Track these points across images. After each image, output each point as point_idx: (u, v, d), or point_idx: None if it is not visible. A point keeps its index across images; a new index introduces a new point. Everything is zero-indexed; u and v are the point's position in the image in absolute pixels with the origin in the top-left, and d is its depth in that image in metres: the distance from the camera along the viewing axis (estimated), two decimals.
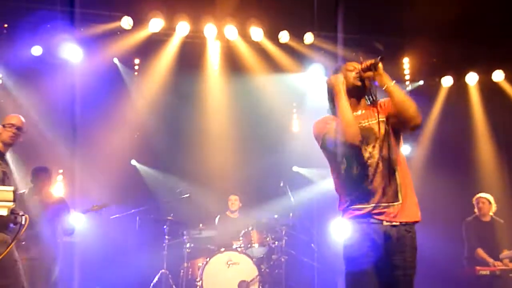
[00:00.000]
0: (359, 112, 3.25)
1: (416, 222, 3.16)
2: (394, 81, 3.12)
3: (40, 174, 6.03)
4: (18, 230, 3.78)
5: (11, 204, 2.81)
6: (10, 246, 3.06)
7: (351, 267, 3.08)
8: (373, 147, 3.14)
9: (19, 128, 4.58)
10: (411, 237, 3.12)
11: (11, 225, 4.98)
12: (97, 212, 5.85)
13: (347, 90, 3.20)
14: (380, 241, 3.06)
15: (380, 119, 3.17)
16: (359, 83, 3.21)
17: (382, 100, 3.26)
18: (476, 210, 6.89)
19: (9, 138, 4.51)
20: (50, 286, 5.83)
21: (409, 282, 3.08)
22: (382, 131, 3.16)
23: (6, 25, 7.56)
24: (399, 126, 3.18)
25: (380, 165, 3.11)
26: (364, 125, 3.19)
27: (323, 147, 3.26)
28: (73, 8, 7.33)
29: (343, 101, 3.14)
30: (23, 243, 5.48)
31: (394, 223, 3.08)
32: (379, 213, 3.08)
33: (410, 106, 3.06)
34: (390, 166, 3.11)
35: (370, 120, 3.21)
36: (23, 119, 4.67)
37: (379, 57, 3.14)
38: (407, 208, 3.12)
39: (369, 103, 3.29)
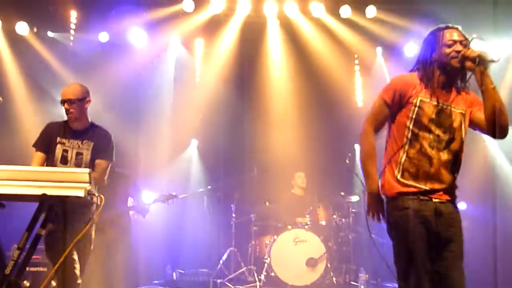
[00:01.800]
0: (445, 93, 3.05)
1: (455, 199, 3.10)
2: (494, 85, 2.92)
3: None
4: (94, 210, 3.95)
5: (87, 186, 2.93)
6: (87, 226, 3.19)
7: (402, 243, 3.00)
8: (444, 132, 3.01)
9: (69, 101, 4.27)
10: (459, 212, 3.06)
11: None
12: (163, 202, 5.98)
13: (439, 65, 3.02)
14: (431, 217, 2.97)
15: (463, 111, 3.04)
16: (457, 65, 2.96)
17: (470, 92, 3.08)
18: None
19: (68, 115, 4.25)
20: (124, 261, 6.06)
21: (462, 256, 3.00)
22: (459, 122, 3.03)
23: (75, 14, 7.83)
24: (482, 130, 3.05)
25: (446, 151, 3.00)
26: (444, 107, 3.03)
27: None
28: None
29: None
30: (99, 224, 5.71)
31: (443, 200, 3.01)
32: (431, 192, 2.99)
33: (504, 115, 2.92)
34: (454, 155, 3.02)
35: (453, 106, 3.04)
36: (72, 88, 4.36)
37: (492, 59, 2.88)
38: (455, 189, 3.09)
39: (458, 89, 3.08)
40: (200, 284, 6.69)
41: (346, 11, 7.96)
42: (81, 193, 2.92)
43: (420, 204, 2.96)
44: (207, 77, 8.54)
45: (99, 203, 3.21)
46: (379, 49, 8.55)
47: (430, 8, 7.54)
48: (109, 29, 7.88)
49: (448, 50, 2.98)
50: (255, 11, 8.05)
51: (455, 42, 2.99)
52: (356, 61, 8.76)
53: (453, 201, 3.07)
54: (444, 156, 3.00)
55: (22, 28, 7.67)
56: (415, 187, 2.99)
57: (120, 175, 6.33)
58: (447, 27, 3.07)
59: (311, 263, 6.71)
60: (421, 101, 3.02)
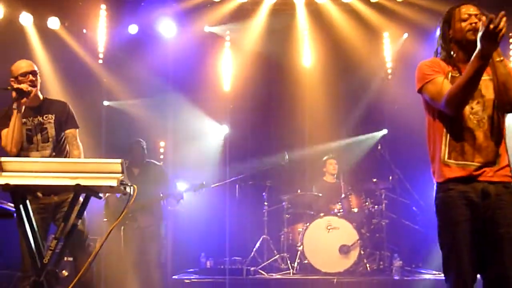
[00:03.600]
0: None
1: (510, 182, 2.97)
2: (503, 58, 2.89)
3: (136, 147, 6.32)
4: (128, 200, 4.01)
5: (119, 176, 2.97)
6: (122, 215, 3.24)
7: (447, 227, 2.93)
8: (477, 103, 2.96)
9: (33, 73, 4.23)
10: (510, 193, 2.93)
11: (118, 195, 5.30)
12: (195, 192, 6.03)
13: (456, 41, 3.03)
14: (478, 199, 2.89)
15: (491, 77, 2.96)
16: (473, 37, 2.88)
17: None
18: None
19: (30, 88, 4.09)
20: (159, 250, 6.17)
21: (511, 240, 2.88)
22: (490, 89, 2.97)
23: (104, 7, 7.93)
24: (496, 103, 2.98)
25: (483, 124, 2.94)
26: None
27: (420, 92, 3.09)
28: None
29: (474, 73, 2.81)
30: (130, 214, 5.82)
31: (491, 181, 2.91)
32: (477, 171, 2.91)
33: (510, 90, 2.88)
34: (493, 127, 2.94)
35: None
36: (29, 62, 4.29)
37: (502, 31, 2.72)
38: (505, 170, 2.95)
39: None
40: (234, 272, 6.73)
41: None
42: (114, 183, 2.96)
43: (466, 186, 2.90)
44: (237, 66, 8.54)
45: (132, 193, 3.25)
46: (410, 35, 8.39)
47: None
48: (138, 22, 7.95)
49: (463, 24, 2.98)
50: None
51: (470, 16, 2.99)
52: (387, 46, 8.62)
53: (505, 182, 2.94)
54: (485, 126, 2.94)
55: (53, 22, 7.80)
56: (463, 166, 2.92)
57: (151, 165, 6.44)
58: (463, 3, 3.07)
59: (344, 250, 6.69)
60: (452, 77, 2.99)
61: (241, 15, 8.18)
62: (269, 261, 7.14)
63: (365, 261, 6.77)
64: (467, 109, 2.94)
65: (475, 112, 2.95)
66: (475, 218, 2.88)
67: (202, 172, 7.52)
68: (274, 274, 6.82)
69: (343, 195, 7.25)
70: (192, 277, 6.68)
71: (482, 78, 2.89)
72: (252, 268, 6.83)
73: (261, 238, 7.29)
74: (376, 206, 7.16)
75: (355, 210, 7.14)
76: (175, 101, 8.16)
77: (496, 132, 2.95)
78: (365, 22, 8.12)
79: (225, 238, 7.70)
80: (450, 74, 3.02)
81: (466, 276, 2.84)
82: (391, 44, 8.56)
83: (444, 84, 2.95)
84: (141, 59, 7.92)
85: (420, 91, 3.07)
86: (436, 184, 3.03)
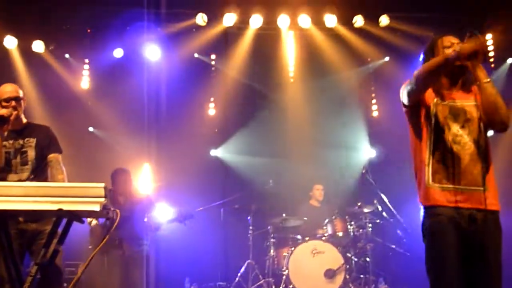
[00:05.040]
0: (451, 91, 3.10)
1: (498, 211, 3.00)
2: (489, 79, 2.95)
3: (121, 175, 6.26)
4: (111, 225, 3.97)
5: (103, 200, 2.94)
6: (104, 240, 3.20)
7: (435, 253, 2.94)
8: (462, 127, 3.02)
9: (17, 99, 4.23)
10: (496, 219, 2.97)
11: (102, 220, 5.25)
12: (180, 222, 6.00)
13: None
14: (466, 224, 2.92)
15: (475, 103, 3.03)
16: (457, 63, 2.96)
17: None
18: None
19: (13, 114, 4.02)
20: (143, 276, 6.08)
21: (498, 266, 2.90)
22: (475, 114, 3.02)
23: (89, 30, 7.95)
24: (484, 123, 3.04)
25: (468, 147, 2.98)
26: (456, 104, 3.06)
27: (403, 103, 3.15)
28: (151, 9, 7.60)
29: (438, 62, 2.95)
30: (116, 242, 5.76)
31: (479, 208, 2.94)
32: (463, 195, 2.94)
33: (501, 109, 2.93)
34: (478, 150, 2.98)
35: (464, 101, 3.07)
36: (14, 87, 4.27)
37: (485, 53, 2.91)
38: (491, 196, 2.97)
39: (465, 85, 3.12)
40: None
41: (359, 20, 8.00)
42: (97, 208, 2.92)
43: (452, 211, 2.93)
44: (222, 90, 8.57)
45: (115, 217, 3.22)
46: (392, 58, 8.53)
47: (443, 17, 7.55)
48: (124, 46, 7.98)
49: (447, 51, 3.02)
50: (268, 23, 8.11)
51: (452, 44, 3.07)
52: (371, 71, 8.74)
53: (492, 210, 2.97)
54: (470, 149, 2.98)
55: (38, 46, 7.79)
56: (449, 189, 2.95)
57: (135, 193, 6.39)
58: (445, 34, 3.18)
59: (330, 274, 6.65)
60: (436, 104, 3.06)
61: (226, 39, 8.24)
62: (254, 286, 7.06)
63: (350, 285, 6.73)
64: (452, 132, 3.00)
65: (460, 135, 3.00)
66: (463, 244, 2.90)
67: (187, 196, 7.48)
68: None
69: (328, 219, 7.24)
70: None
71: (467, 103, 3.00)
72: None
73: (246, 263, 7.23)
74: (361, 230, 7.15)
75: (340, 234, 7.13)
76: (160, 125, 8.14)
77: (482, 156, 2.98)
78: (348, 47, 8.24)
79: (209, 263, 7.64)
80: (434, 100, 3.07)
81: None
82: (373, 68, 8.66)
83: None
84: (126, 83, 7.92)
85: (403, 104, 3.14)
86: (424, 208, 3.05)
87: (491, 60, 8.30)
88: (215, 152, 8.64)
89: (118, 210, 3.23)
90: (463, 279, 2.88)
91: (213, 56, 8.57)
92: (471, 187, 2.95)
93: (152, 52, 8.04)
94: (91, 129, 8.22)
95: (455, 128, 3.01)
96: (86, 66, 8.06)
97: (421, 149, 3.07)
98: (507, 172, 7.42)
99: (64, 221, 3.08)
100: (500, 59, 8.37)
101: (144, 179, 8.10)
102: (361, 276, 7.03)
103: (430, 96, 3.10)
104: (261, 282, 7.05)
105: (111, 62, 8.05)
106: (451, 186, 2.96)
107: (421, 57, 3.29)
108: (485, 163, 2.99)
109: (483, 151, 3.00)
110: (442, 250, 2.91)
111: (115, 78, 8.00)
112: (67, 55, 8.13)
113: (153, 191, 7.70)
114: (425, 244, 3.01)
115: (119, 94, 7.87)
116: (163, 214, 6.12)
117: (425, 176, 3.03)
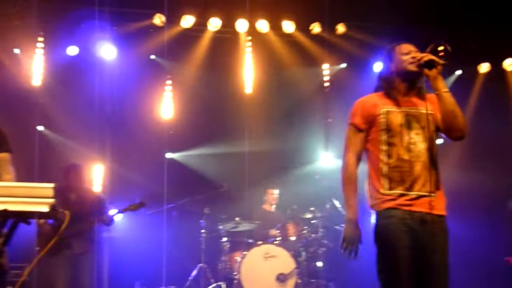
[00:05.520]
0: (407, 98, 3.18)
1: (444, 216, 3.12)
2: (447, 89, 3.05)
3: (73, 170, 6.13)
4: (60, 226, 3.87)
5: (51, 200, 2.86)
6: (52, 241, 3.12)
7: (387, 253, 3.03)
8: (416, 134, 3.09)
9: None
10: (443, 223, 3.08)
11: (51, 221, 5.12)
12: (133, 211, 5.92)
13: (398, 75, 3.17)
14: (416, 226, 3.00)
15: (429, 111, 3.11)
16: (415, 69, 3.09)
17: (432, 94, 3.16)
18: None
19: None
20: (91, 278, 5.96)
21: (446, 267, 3.01)
22: (428, 122, 3.10)
23: (43, 27, 7.75)
24: (440, 131, 3.15)
25: (422, 154, 3.06)
26: (411, 111, 3.14)
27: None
28: (106, 8, 7.47)
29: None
30: (65, 241, 5.63)
31: (428, 212, 3.03)
32: (415, 200, 3.03)
33: (458, 117, 3.04)
34: (430, 158, 3.06)
35: (419, 108, 3.14)
36: None
37: (443, 61, 3.01)
38: (440, 201, 3.09)
39: (421, 92, 3.20)
40: None
41: (316, 28, 8.11)
42: (45, 209, 2.85)
43: (404, 213, 3.01)
44: (178, 93, 8.50)
45: (63, 219, 3.14)
46: (349, 65, 8.67)
47: (399, 27, 7.74)
48: (78, 44, 7.81)
49: (404, 57, 3.13)
50: (226, 27, 8.11)
51: (410, 51, 3.16)
52: (326, 77, 8.84)
53: (441, 215, 3.08)
54: (423, 157, 3.06)
55: None
56: (401, 195, 3.04)
57: (87, 190, 6.27)
58: (403, 42, 3.25)
59: (281, 278, 6.69)
60: (387, 112, 3.13)
61: (184, 42, 8.19)
62: None
63: None
64: (405, 140, 3.06)
65: (413, 143, 3.07)
66: (414, 245, 2.98)
67: (139, 199, 7.38)
68: None
69: (281, 224, 7.28)
70: None
71: (422, 111, 3.07)
72: None
73: (197, 267, 7.18)
74: (313, 235, 7.22)
75: (293, 238, 7.18)
76: (114, 126, 8.01)
77: (433, 164, 3.07)
78: (305, 52, 8.33)
79: (161, 266, 7.55)
80: (385, 109, 3.14)
81: None
82: (330, 75, 8.78)
83: (359, 141, 3.19)
84: (80, 82, 7.76)
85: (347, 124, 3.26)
86: (376, 212, 3.10)
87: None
88: (169, 155, 8.55)
89: (67, 212, 3.15)
90: (414, 279, 2.96)
91: (169, 58, 8.48)
92: (422, 193, 3.03)
93: (107, 51, 7.90)
94: (40, 128, 7.98)
95: (410, 135, 3.08)
96: (38, 63, 7.83)
97: (375, 156, 3.14)
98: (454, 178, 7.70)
99: (11, 222, 2.99)
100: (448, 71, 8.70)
101: (95, 181, 7.94)
102: (313, 280, 7.10)
103: (378, 106, 3.16)
104: (212, 286, 7.02)
105: (65, 59, 7.86)
106: (404, 192, 3.03)
107: (378, 67, 3.35)
108: (436, 170, 3.07)
109: (435, 158, 3.08)
110: (395, 249, 2.98)
111: (68, 76, 7.81)
112: (17, 50, 7.88)
113: (105, 193, 7.56)
114: (376, 245, 3.08)
115: (72, 93, 7.71)
116: (113, 215, 6.00)
117: (379, 183, 3.09)
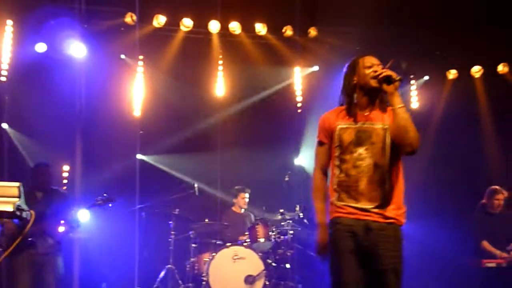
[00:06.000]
0: (366, 112, 3.27)
1: (399, 224, 3.23)
2: (403, 104, 3.14)
3: (41, 170, 6.02)
4: (24, 225, 3.81)
5: (16, 200, 2.82)
6: (17, 241, 3.07)
7: (335, 257, 3.20)
8: (366, 149, 3.21)
9: None
10: (394, 228, 3.20)
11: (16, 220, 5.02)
12: (101, 206, 5.83)
13: (360, 88, 3.27)
14: (362, 233, 3.16)
15: (384, 126, 3.22)
16: (375, 84, 3.19)
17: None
18: (486, 200, 6.69)
19: None
20: (58, 280, 5.86)
21: (394, 271, 3.13)
22: (381, 137, 3.21)
23: (11, 22, 7.59)
24: (395, 146, 3.23)
25: (368, 170, 3.18)
26: (364, 126, 3.24)
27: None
28: (76, 5, 7.37)
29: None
30: (30, 239, 5.52)
31: (375, 219, 3.18)
32: (362, 211, 3.19)
33: (410, 133, 3.13)
34: (381, 172, 3.18)
35: (374, 123, 3.24)
36: None
37: (399, 77, 3.12)
38: (391, 210, 3.20)
39: (381, 106, 3.31)
40: None
41: (288, 31, 8.16)
42: (9, 208, 2.80)
43: (350, 220, 3.18)
44: (149, 93, 8.44)
45: (28, 218, 3.09)
46: (319, 68, 8.74)
47: (369, 32, 7.85)
48: (47, 41, 7.68)
49: (367, 71, 3.24)
50: (198, 27, 8.09)
51: (373, 65, 3.27)
52: (298, 80, 8.88)
53: (388, 220, 3.18)
54: (370, 172, 3.18)
55: None
56: (349, 206, 3.21)
57: (55, 190, 6.16)
58: (366, 55, 3.37)
59: (250, 280, 6.70)
60: (340, 128, 3.28)
61: (156, 41, 8.14)
62: None
63: None
64: (354, 156, 3.21)
65: (361, 159, 3.20)
66: (358, 250, 3.15)
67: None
68: None
69: (250, 225, 7.29)
70: None
71: (377, 126, 3.22)
72: None
73: (165, 268, 7.14)
74: (282, 237, 7.25)
75: (262, 240, 7.18)
76: (83, 125, 7.89)
77: (382, 178, 3.19)
78: (277, 55, 8.37)
79: (128, 267, 7.48)
80: (338, 127, 3.28)
81: None
82: (301, 78, 8.83)
83: (323, 155, 3.37)
84: (49, 80, 7.63)
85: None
86: (329, 221, 3.30)
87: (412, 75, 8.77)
88: (139, 155, 8.48)
89: (32, 212, 3.10)
90: (363, 282, 3.13)
91: (141, 57, 8.40)
92: (368, 206, 3.18)
93: (77, 49, 7.78)
94: (5, 125, 7.79)
95: (358, 151, 3.21)
96: (4, 59, 7.66)
97: (331, 170, 3.35)
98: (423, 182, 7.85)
99: None
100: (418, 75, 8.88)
101: (63, 180, 7.83)
102: (281, 282, 7.12)
103: (336, 121, 3.30)
104: (180, 287, 6.99)
105: (33, 56, 7.70)
106: (352, 205, 3.20)
107: (344, 73, 3.41)
108: (387, 183, 3.19)
109: (386, 172, 3.19)
110: (340, 254, 3.16)
111: (36, 74, 7.66)
112: None
113: (73, 193, 7.45)
114: (329, 250, 3.28)
115: (40, 91, 7.56)
116: (80, 215, 5.90)
117: (332, 194, 3.30)
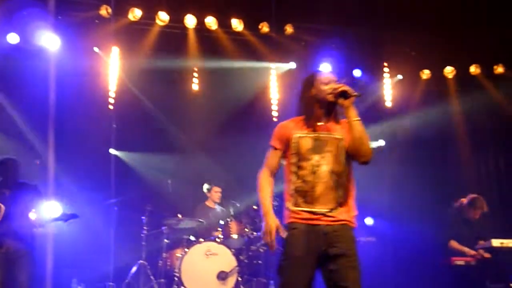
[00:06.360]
0: (322, 123, 3.45)
1: (351, 226, 3.40)
2: (359, 118, 3.33)
3: (7, 165, 5.88)
4: None
5: None
6: None
7: (287, 258, 3.32)
8: (322, 157, 3.37)
9: None
10: (347, 229, 3.36)
11: None
12: (64, 221, 5.73)
13: (317, 101, 3.45)
14: (317, 236, 3.29)
15: (339, 136, 3.41)
16: (332, 99, 3.39)
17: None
18: (465, 206, 6.70)
19: None
20: (28, 277, 5.75)
21: (354, 267, 3.27)
22: (336, 147, 3.39)
23: None
24: (350, 155, 3.41)
25: (324, 176, 3.34)
26: (321, 135, 3.42)
27: None
28: None
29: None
30: None
31: (330, 224, 3.33)
32: (317, 215, 3.33)
33: (365, 145, 3.34)
34: (335, 179, 3.35)
35: (330, 133, 3.43)
36: None
37: (355, 93, 3.32)
38: (345, 214, 3.37)
39: (336, 119, 3.50)
40: None
41: (265, 27, 8.16)
42: None
43: (305, 226, 3.33)
44: (123, 86, 8.35)
45: None
46: (294, 65, 8.77)
47: (346, 30, 7.90)
48: (18, 31, 7.53)
49: (325, 87, 3.43)
50: (174, 21, 8.02)
51: (330, 81, 3.45)
52: (273, 77, 8.89)
53: (343, 223, 3.35)
54: (325, 178, 3.35)
55: None
56: (305, 211, 3.35)
57: (24, 186, 6.03)
58: (323, 72, 3.64)
59: (222, 276, 6.69)
60: (298, 137, 3.43)
61: (131, 34, 8.05)
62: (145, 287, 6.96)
63: (242, 287, 6.81)
64: (311, 163, 3.36)
65: (318, 165, 3.36)
66: (313, 253, 3.28)
67: (81, 194, 7.22)
68: None
69: (223, 222, 7.28)
70: None
71: (333, 136, 3.42)
72: None
73: (137, 264, 7.09)
74: (255, 233, 7.25)
75: (235, 236, 7.18)
76: (55, 118, 7.76)
77: (337, 184, 3.35)
78: (254, 51, 8.36)
79: (100, 263, 7.40)
80: (297, 135, 3.42)
81: None
82: (277, 75, 8.83)
83: (274, 160, 3.51)
84: (20, 72, 7.49)
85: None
86: (284, 225, 3.41)
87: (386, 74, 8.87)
88: (112, 150, 8.39)
89: (2, 205, 3.05)
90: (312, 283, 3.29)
91: (115, 50, 8.31)
92: (323, 210, 3.33)
93: (50, 41, 7.64)
94: None
95: (315, 159, 3.36)
96: None
97: (287, 176, 3.47)
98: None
99: None
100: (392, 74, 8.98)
101: (33, 175, 7.68)
102: (254, 279, 7.14)
103: (293, 131, 3.45)
104: (152, 283, 6.95)
105: (4, 47, 7.55)
106: (307, 209, 3.34)
107: (302, 86, 3.59)
108: (340, 189, 3.37)
109: (340, 178, 3.37)
110: (294, 257, 3.29)
111: (7, 65, 7.51)
112: None
113: (43, 187, 7.33)
114: (281, 251, 3.39)
115: (10, 83, 7.43)
116: (50, 211, 5.80)
117: (288, 199, 3.43)
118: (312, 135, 3.41)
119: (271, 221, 3.35)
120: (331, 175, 3.34)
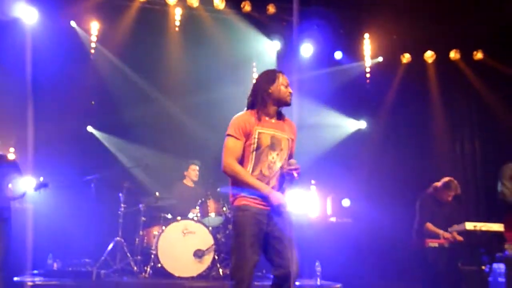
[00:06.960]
0: (273, 120, 3.78)
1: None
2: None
3: None
4: None
5: None
6: None
7: (239, 238, 3.59)
8: (277, 155, 3.73)
9: None
10: (288, 215, 3.73)
11: None
12: (35, 190, 5.67)
13: (274, 99, 3.76)
14: (264, 219, 3.63)
15: (288, 137, 3.78)
16: (288, 101, 3.78)
17: (290, 121, 3.87)
18: (438, 189, 6.77)
19: None
20: (6, 248, 5.70)
21: (292, 246, 3.62)
22: (287, 146, 3.77)
23: None
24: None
25: (278, 171, 3.71)
26: (276, 134, 3.74)
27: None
28: None
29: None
30: None
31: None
32: (267, 203, 3.65)
33: None
34: (282, 173, 3.72)
35: (283, 133, 3.77)
36: None
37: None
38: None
39: (283, 118, 3.86)
40: (83, 274, 6.46)
41: (247, 6, 8.10)
42: None
43: (257, 210, 3.63)
44: (102, 62, 8.25)
45: None
46: (276, 45, 8.74)
47: (328, 11, 7.88)
48: None
49: (284, 89, 3.78)
50: None
51: (288, 84, 3.82)
52: (257, 57, 8.86)
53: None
54: (278, 173, 3.72)
55: None
56: (257, 198, 3.64)
57: (1, 159, 5.95)
58: (282, 72, 3.87)
59: (199, 254, 6.72)
60: (259, 132, 3.71)
61: (110, 10, 7.93)
62: (121, 264, 6.96)
63: (218, 265, 6.86)
64: (269, 159, 3.69)
65: (274, 162, 3.71)
66: (261, 234, 3.61)
67: (58, 169, 7.13)
68: (125, 278, 6.65)
69: (201, 200, 7.28)
70: (36, 279, 6.28)
71: (283, 136, 3.77)
72: (102, 271, 6.60)
73: (114, 241, 7.07)
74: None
75: (212, 215, 7.20)
76: (34, 95, 7.64)
77: (283, 178, 3.73)
78: (235, 32, 8.30)
79: (76, 239, 7.37)
80: (257, 130, 3.70)
81: (249, 277, 3.59)
82: (258, 55, 8.80)
83: (237, 149, 3.70)
84: None
85: (226, 135, 3.75)
86: (235, 206, 3.71)
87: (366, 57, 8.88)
88: (90, 127, 8.32)
89: None
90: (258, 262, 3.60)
91: (95, 25, 8.18)
92: None
93: (26, 13, 7.48)
94: None
95: (272, 155, 3.70)
96: None
97: (244, 164, 3.70)
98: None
99: None
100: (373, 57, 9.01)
101: (13, 150, 7.59)
102: (230, 257, 7.14)
103: (253, 126, 3.69)
104: (128, 260, 6.95)
105: None
106: (260, 198, 3.65)
107: (260, 81, 3.82)
108: (283, 182, 3.76)
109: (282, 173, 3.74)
110: (245, 236, 3.57)
111: None
112: None
113: (20, 162, 7.23)
114: (233, 232, 3.71)
115: None
116: (26, 185, 5.74)
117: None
118: (270, 132, 3.72)
119: (278, 195, 3.64)
120: (281, 171, 3.72)
